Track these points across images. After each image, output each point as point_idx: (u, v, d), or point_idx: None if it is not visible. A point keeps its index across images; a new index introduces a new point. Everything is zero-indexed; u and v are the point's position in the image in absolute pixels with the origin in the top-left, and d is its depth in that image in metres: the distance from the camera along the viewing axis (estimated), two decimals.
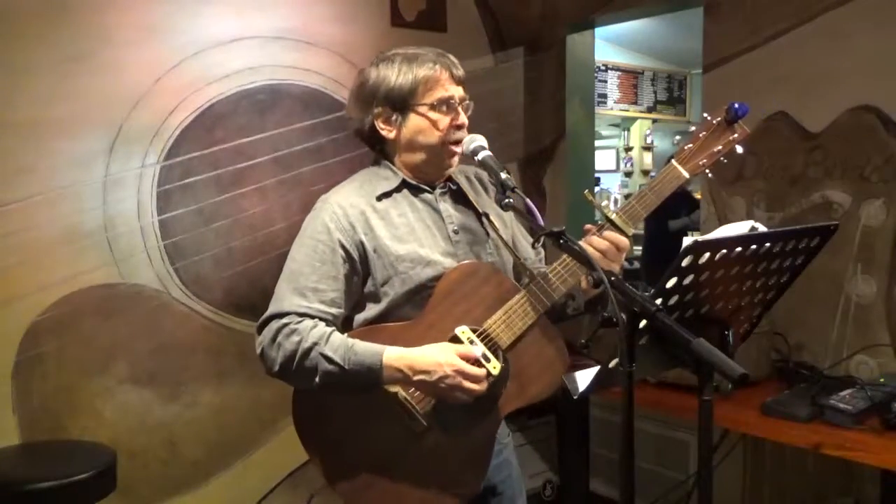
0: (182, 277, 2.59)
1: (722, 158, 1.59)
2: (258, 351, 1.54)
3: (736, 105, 1.55)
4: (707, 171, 1.59)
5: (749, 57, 2.78)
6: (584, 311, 1.67)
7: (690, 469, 2.92)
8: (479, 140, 1.58)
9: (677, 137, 1.92)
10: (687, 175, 1.57)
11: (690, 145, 1.58)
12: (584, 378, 1.37)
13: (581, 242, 1.49)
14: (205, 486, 2.67)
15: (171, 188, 2.56)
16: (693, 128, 1.63)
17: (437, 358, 1.47)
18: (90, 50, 2.38)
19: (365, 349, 1.48)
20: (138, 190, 2.49)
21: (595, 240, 1.53)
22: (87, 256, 2.41)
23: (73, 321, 2.39)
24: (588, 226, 1.59)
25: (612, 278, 1.26)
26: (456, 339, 1.51)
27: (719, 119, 1.58)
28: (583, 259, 1.41)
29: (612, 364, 1.23)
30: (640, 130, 7.65)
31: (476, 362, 1.48)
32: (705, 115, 1.61)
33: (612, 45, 6.78)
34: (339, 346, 1.48)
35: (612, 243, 1.53)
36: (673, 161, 1.59)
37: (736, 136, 1.58)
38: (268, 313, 1.54)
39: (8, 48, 2.25)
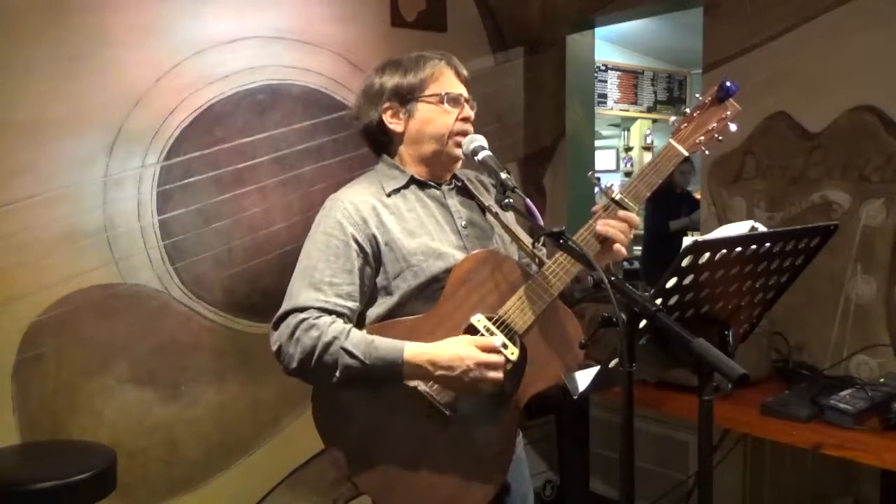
0: (182, 277, 2.59)
1: (717, 137, 1.62)
2: (274, 348, 1.53)
3: (727, 83, 1.59)
4: (703, 148, 1.62)
5: (749, 57, 2.78)
6: (593, 288, 1.68)
7: (690, 469, 2.91)
8: (479, 140, 1.60)
9: (672, 119, 1.93)
10: (686, 153, 1.61)
11: (686, 125, 1.62)
12: (584, 378, 1.37)
13: (599, 223, 1.54)
14: (205, 486, 2.67)
15: (171, 188, 2.56)
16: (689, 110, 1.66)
17: (458, 352, 1.47)
18: (90, 50, 2.38)
19: (386, 345, 1.49)
20: (138, 190, 2.49)
21: (612, 222, 1.55)
22: (87, 256, 2.41)
23: (72, 321, 2.39)
24: (596, 207, 1.60)
25: (612, 278, 1.26)
26: (472, 328, 1.52)
27: (711, 98, 1.61)
28: (582, 259, 1.41)
29: (612, 364, 1.23)
30: (640, 130, 7.64)
31: (495, 351, 1.48)
32: (697, 95, 1.66)
33: (612, 45, 6.78)
34: (360, 341, 1.48)
35: (627, 221, 1.56)
36: (671, 140, 1.62)
37: (728, 113, 1.62)
38: (283, 309, 1.54)
39: (8, 48, 2.24)
